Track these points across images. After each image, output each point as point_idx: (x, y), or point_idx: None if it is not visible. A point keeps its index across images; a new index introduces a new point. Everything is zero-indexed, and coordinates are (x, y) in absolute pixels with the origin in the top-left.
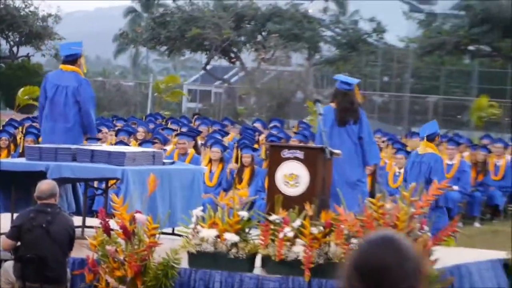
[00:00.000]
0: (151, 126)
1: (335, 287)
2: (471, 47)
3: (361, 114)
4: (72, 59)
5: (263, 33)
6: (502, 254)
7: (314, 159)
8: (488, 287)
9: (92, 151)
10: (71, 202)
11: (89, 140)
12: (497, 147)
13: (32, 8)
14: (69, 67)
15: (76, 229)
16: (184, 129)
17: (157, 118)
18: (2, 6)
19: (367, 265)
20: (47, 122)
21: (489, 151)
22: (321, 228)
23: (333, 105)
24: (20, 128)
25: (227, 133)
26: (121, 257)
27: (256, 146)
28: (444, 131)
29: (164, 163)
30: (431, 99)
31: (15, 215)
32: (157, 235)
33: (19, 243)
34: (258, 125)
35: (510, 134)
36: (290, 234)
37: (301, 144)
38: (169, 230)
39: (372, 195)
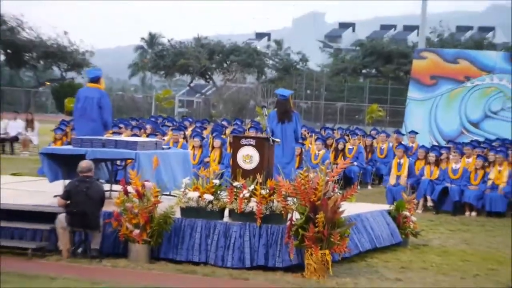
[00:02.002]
0: (149, 126)
1: (275, 230)
2: (363, 71)
3: (294, 115)
4: (95, 79)
5: (228, 62)
6: (386, 207)
7: (262, 145)
8: (380, 226)
9: (116, 140)
10: (105, 174)
11: (113, 133)
12: (381, 136)
13: (75, 47)
14: (93, 84)
15: (106, 192)
16: (175, 126)
17: (158, 118)
18: (56, 45)
19: None
20: (78, 121)
21: (373, 138)
22: (267, 190)
23: (275, 110)
24: (69, 125)
25: (205, 128)
26: (136, 211)
27: (224, 136)
28: (346, 126)
29: (163, 148)
30: (338, 105)
31: (65, 182)
32: (159, 196)
33: (68, 202)
34: (225, 123)
35: (391, 128)
36: (247, 195)
37: (254, 135)
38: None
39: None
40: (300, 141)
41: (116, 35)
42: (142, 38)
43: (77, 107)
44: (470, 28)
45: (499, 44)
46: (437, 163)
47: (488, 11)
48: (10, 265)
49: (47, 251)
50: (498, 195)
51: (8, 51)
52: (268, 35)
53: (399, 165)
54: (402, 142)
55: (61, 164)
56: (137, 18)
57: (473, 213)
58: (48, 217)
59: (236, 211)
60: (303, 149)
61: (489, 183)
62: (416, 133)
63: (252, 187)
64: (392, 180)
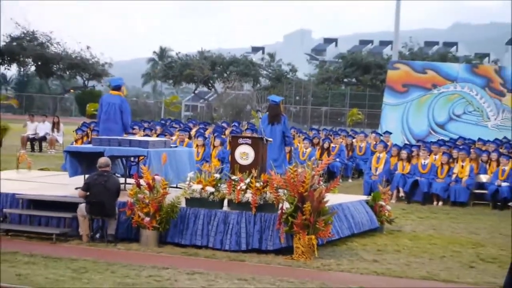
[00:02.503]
0: (157, 128)
1: (267, 218)
2: (345, 80)
3: (284, 118)
4: (118, 87)
5: (227, 72)
6: (364, 197)
7: (257, 144)
8: (360, 214)
9: (130, 140)
10: (121, 169)
11: (128, 134)
12: (360, 136)
13: (96, 59)
14: (115, 92)
15: (121, 185)
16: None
17: (166, 121)
18: (79, 58)
19: None
20: (103, 124)
21: (353, 138)
22: (261, 183)
23: (267, 113)
24: (90, 127)
25: (207, 129)
26: (147, 201)
27: (223, 136)
28: (330, 127)
29: (171, 147)
30: (323, 109)
31: (86, 176)
32: (167, 188)
33: (88, 193)
34: (224, 124)
35: (368, 129)
36: (244, 187)
37: (250, 135)
38: (175, 185)
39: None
40: (291, 145)
41: (131, 49)
42: (154, 52)
43: (101, 111)
44: (436, 43)
45: (461, 57)
46: (409, 159)
47: (452, 28)
48: (38, 249)
49: (69, 236)
50: (462, 187)
51: (39, 63)
52: (262, 49)
53: (378, 159)
54: (380, 141)
55: (82, 160)
56: (149, 34)
57: (440, 203)
58: (70, 206)
59: (234, 201)
60: (292, 148)
61: (454, 176)
62: (390, 133)
63: (248, 180)
64: (372, 172)
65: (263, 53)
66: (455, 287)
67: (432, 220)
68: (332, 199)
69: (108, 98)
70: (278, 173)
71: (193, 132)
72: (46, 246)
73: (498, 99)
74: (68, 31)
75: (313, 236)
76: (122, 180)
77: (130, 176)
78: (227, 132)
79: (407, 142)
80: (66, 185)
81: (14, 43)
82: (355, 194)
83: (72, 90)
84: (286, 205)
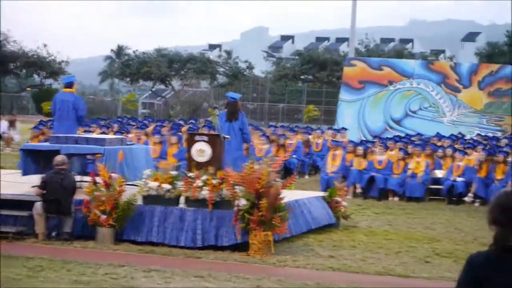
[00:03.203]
0: (116, 126)
1: (224, 215)
2: (302, 77)
3: (242, 115)
4: (70, 84)
5: (185, 70)
6: (321, 193)
7: (214, 140)
8: (316, 210)
9: (87, 137)
10: (77, 167)
11: (85, 132)
12: (317, 132)
13: (53, 57)
14: (68, 89)
15: (77, 183)
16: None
17: (123, 118)
18: (36, 56)
19: (506, 205)
20: (57, 121)
21: (310, 134)
22: (218, 180)
23: (225, 110)
24: (47, 125)
25: (164, 126)
26: (103, 198)
27: (180, 133)
28: (287, 124)
29: (128, 144)
30: (280, 106)
31: (42, 175)
32: (124, 186)
33: (44, 191)
34: (181, 122)
35: (325, 126)
36: (200, 184)
37: (207, 132)
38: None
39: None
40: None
41: (88, 47)
42: (111, 50)
43: (55, 109)
44: (392, 40)
45: (417, 53)
46: (365, 155)
47: (408, 25)
48: None
49: (25, 234)
50: (417, 182)
51: None
52: (219, 46)
53: (334, 156)
54: (336, 138)
55: (38, 158)
56: (106, 32)
57: (396, 198)
58: (26, 205)
59: (190, 198)
60: (249, 144)
61: (409, 172)
62: (347, 129)
63: (204, 177)
64: (328, 169)
65: (220, 50)
66: (410, 282)
67: (388, 215)
68: (289, 195)
69: (61, 96)
70: (235, 170)
71: (149, 129)
72: (2, 244)
73: (453, 95)
74: (25, 29)
75: (269, 233)
76: (78, 178)
77: (87, 174)
78: (184, 129)
79: (363, 138)
80: (22, 184)
81: None
82: (311, 190)
83: (29, 88)
84: (243, 201)
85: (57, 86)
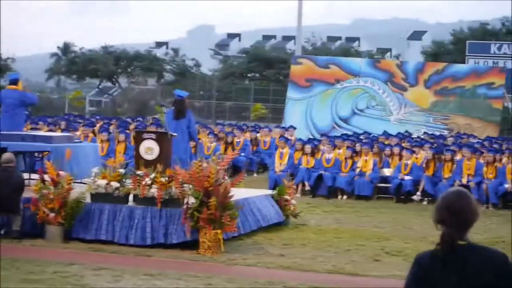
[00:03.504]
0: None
1: (173, 213)
2: (249, 74)
3: (189, 113)
4: (15, 81)
5: (132, 67)
6: (270, 191)
7: (162, 139)
8: (266, 208)
9: (34, 135)
10: (23, 165)
11: (32, 129)
12: (264, 131)
13: None
14: (13, 86)
15: (25, 180)
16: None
17: (70, 116)
18: None
19: (452, 204)
20: (4, 119)
21: (257, 132)
22: (166, 178)
23: (172, 107)
24: None
25: (111, 124)
26: (51, 196)
27: (128, 131)
28: (235, 122)
29: (75, 142)
30: (227, 104)
31: None
32: (72, 183)
33: None
34: (129, 120)
35: (273, 124)
36: (149, 182)
37: (154, 130)
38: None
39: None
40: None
41: (34, 44)
42: (58, 47)
43: (1, 106)
44: (339, 38)
45: (364, 52)
46: (313, 153)
47: (354, 24)
48: None
49: None
50: (365, 181)
51: None
52: (166, 44)
53: (281, 154)
54: (284, 135)
55: None
56: (52, 29)
57: (344, 197)
58: None
59: (139, 196)
60: (197, 142)
61: (357, 170)
62: (295, 128)
63: (153, 175)
64: (276, 168)
65: (167, 48)
66: (360, 280)
67: (337, 213)
68: (238, 193)
69: (6, 93)
70: (183, 168)
71: (97, 127)
72: None
73: (400, 94)
74: None
75: (219, 231)
76: (26, 176)
77: (35, 171)
78: (131, 127)
79: (311, 137)
80: None
81: None
82: (260, 189)
83: None
84: (192, 200)
85: (3, 83)
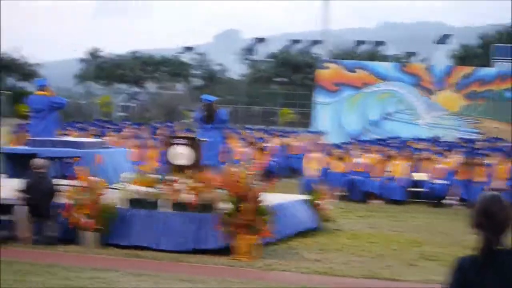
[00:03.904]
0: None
1: (206, 218)
2: (277, 79)
3: (218, 112)
4: (42, 87)
5: (159, 72)
6: (303, 196)
7: (192, 143)
8: (300, 213)
9: (64, 141)
10: (55, 171)
11: (61, 135)
12: (294, 135)
13: (26, 60)
14: (41, 92)
15: (57, 186)
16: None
17: (100, 121)
18: (9, 59)
19: (488, 208)
20: (33, 125)
21: (287, 137)
22: (198, 183)
23: (201, 113)
24: (24, 128)
25: (141, 129)
26: (83, 202)
27: (157, 136)
28: (262, 127)
29: (105, 147)
30: (255, 108)
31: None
32: (103, 189)
33: (25, 195)
34: (158, 125)
35: (301, 128)
36: (181, 187)
37: (184, 135)
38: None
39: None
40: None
41: (62, 49)
42: (85, 52)
43: (30, 112)
44: (365, 42)
45: (390, 56)
46: (343, 158)
47: (380, 27)
48: None
49: (8, 239)
50: (397, 185)
51: None
52: (193, 48)
53: (312, 159)
54: (315, 140)
55: (17, 162)
56: (80, 34)
57: (377, 201)
58: (8, 209)
59: (172, 201)
60: (227, 147)
61: (388, 175)
62: (325, 132)
63: (184, 180)
64: (307, 172)
65: (194, 53)
66: (397, 285)
67: (370, 218)
68: (271, 198)
69: (35, 99)
70: (213, 173)
71: (126, 132)
72: None
73: (428, 97)
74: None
75: (253, 236)
76: (57, 181)
77: (65, 177)
78: (161, 132)
79: (341, 141)
80: (3, 187)
81: None
82: (291, 194)
83: (2, 91)
84: (225, 204)
85: (31, 89)
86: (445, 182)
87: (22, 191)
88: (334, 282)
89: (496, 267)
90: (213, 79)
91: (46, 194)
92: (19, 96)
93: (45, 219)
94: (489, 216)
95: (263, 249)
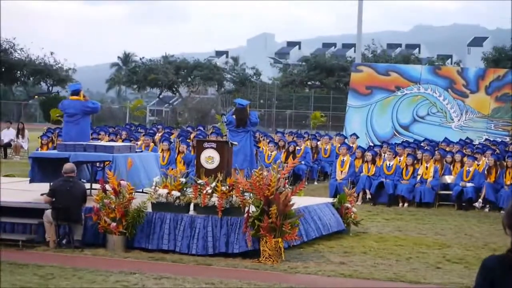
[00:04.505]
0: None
1: (234, 222)
2: (309, 83)
3: (251, 114)
4: (76, 92)
5: (191, 76)
6: (330, 199)
7: (222, 147)
8: (326, 217)
9: (95, 145)
10: (86, 175)
11: (93, 139)
12: (325, 139)
13: (59, 65)
14: (74, 97)
15: (87, 190)
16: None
17: (131, 126)
18: (43, 64)
19: None
20: (66, 129)
21: (318, 140)
22: (227, 187)
23: (234, 116)
24: (55, 133)
25: (172, 134)
26: (113, 206)
27: (189, 140)
28: (294, 130)
29: (136, 152)
30: (287, 112)
31: (51, 183)
32: (133, 193)
33: (54, 199)
34: (189, 129)
35: (333, 132)
36: (210, 191)
37: (215, 139)
38: (140, 189)
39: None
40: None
41: (95, 54)
42: (118, 57)
43: (63, 116)
44: (399, 45)
45: (424, 59)
46: (374, 161)
47: (413, 30)
48: (4, 255)
49: (36, 242)
50: (426, 188)
51: (2, 69)
52: (226, 53)
53: (343, 162)
54: (346, 143)
55: (47, 166)
56: (113, 39)
57: (405, 204)
58: (36, 212)
59: (200, 205)
60: (258, 151)
61: (418, 178)
62: (358, 136)
63: (214, 184)
64: (337, 176)
65: (227, 57)
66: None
67: (398, 221)
68: (298, 201)
69: (69, 103)
70: (244, 177)
71: (158, 136)
72: (12, 252)
73: (461, 100)
74: (31, 37)
75: (279, 239)
76: (88, 185)
77: (96, 181)
78: (192, 136)
79: (371, 144)
80: (31, 191)
81: None
82: (320, 197)
83: (36, 96)
84: (252, 208)
85: (64, 94)
86: (475, 185)
87: (49, 195)
88: (358, 284)
89: None
90: (245, 83)
91: (77, 198)
92: (52, 101)
93: (74, 223)
94: None
95: (288, 252)
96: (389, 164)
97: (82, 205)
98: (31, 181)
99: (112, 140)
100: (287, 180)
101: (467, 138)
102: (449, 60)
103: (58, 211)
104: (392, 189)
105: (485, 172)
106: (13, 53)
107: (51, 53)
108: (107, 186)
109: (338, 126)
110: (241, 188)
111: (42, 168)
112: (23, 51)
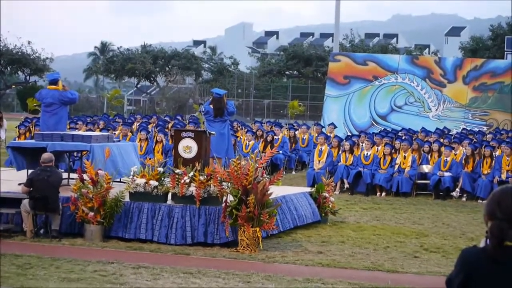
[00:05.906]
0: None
1: (213, 211)
2: (287, 72)
3: (228, 105)
4: (54, 81)
5: (169, 66)
6: (308, 189)
7: (200, 137)
8: (302, 207)
9: (73, 135)
10: (63, 164)
11: (70, 129)
12: (302, 128)
13: (37, 54)
14: (52, 86)
15: (64, 180)
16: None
17: (109, 115)
18: (20, 53)
19: (502, 201)
20: (44, 118)
21: (296, 130)
22: (205, 176)
23: (211, 106)
24: (32, 122)
25: (150, 123)
26: (90, 195)
27: (166, 130)
28: (272, 120)
29: (114, 141)
30: (265, 102)
31: (29, 172)
32: (111, 182)
33: (31, 189)
34: (167, 118)
35: (311, 121)
36: (187, 180)
37: (193, 128)
38: (118, 179)
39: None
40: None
41: (72, 44)
42: (95, 46)
43: (41, 106)
44: (377, 35)
45: (401, 48)
46: (351, 150)
47: (392, 20)
48: None
49: (13, 232)
50: (404, 177)
51: None
52: (204, 42)
53: (320, 152)
54: (324, 132)
55: (25, 155)
56: (90, 29)
57: (383, 194)
58: (14, 202)
59: (178, 194)
60: (235, 140)
61: (396, 167)
62: (336, 126)
63: (191, 173)
64: (315, 165)
65: (204, 46)
66: (399, 277)
67: (376, 211)
68: (276, 191)
69: (46, 93)
70: (221, 166)
71: (135, 126)
72: None
73: (438, 90)
74: (8, 26)
75: (257, 229)
76: (65, 175)
77: (73, 171)
78: (169, 125)
79: (349, 134)
80: (9, 181)
81: None
82: (298, 186)
83: (13, 86)
84: (230, 198)
85: (42, 83)
86: (453, 174)
87: (27, 184)
88: (336, 274)
89: (504, 264)
90: (223, 72)
91: (54, 187)
92: (29, 91)
93: (51, 213)
94: (502, 209)
95: (266, 242)
96: (367, 153)
97: (59, 195)
98: (18, 169)
99: (89, 130)
100: (265, 170)
101: (445, 127)
102: (426, 50)
103: (36, 201)
104: (370, 179)
105: (463, 161)
106: None
107: (29, 43)
108: (85, 176)
109: (316, 115)
110: (219, 178)
111: (22, 157)
112: None
